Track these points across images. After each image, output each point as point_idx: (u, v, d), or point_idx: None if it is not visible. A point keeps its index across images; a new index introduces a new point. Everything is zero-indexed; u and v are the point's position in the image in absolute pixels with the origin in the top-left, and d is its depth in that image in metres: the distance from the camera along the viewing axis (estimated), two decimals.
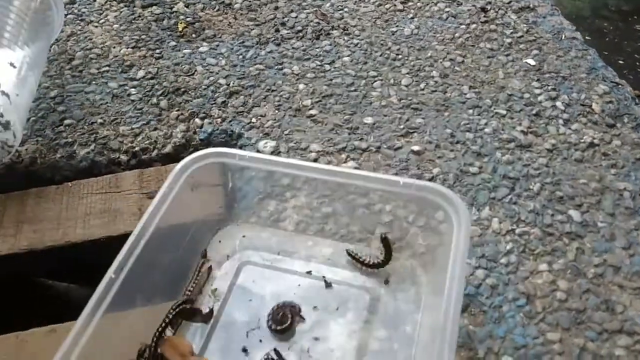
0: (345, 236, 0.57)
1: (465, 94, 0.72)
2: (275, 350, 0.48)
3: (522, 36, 0.82)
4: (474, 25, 0.83)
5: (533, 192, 0.60)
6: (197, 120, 0.70)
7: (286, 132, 0.68)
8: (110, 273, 0.45)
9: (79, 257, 0.62)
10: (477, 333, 0.49)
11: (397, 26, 0.84)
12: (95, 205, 0.63)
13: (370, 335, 0.50)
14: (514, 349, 0.48)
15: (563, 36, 0.83)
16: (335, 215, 0.58)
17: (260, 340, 0.49)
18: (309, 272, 0.54)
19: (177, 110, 0.72)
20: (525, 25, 0.84)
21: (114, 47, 0.82)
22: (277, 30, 0.84)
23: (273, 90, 0.74)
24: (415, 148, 0.65)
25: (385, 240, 0.53)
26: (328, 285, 0.53)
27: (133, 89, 0.74)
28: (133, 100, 0.73)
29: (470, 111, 0.69)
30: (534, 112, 0.70)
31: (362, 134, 0.67)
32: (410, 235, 0.55)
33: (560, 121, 0.69)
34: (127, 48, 0.82)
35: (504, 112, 0.69)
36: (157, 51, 0.81)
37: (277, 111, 0.71)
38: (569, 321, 0.50)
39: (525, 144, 0.65)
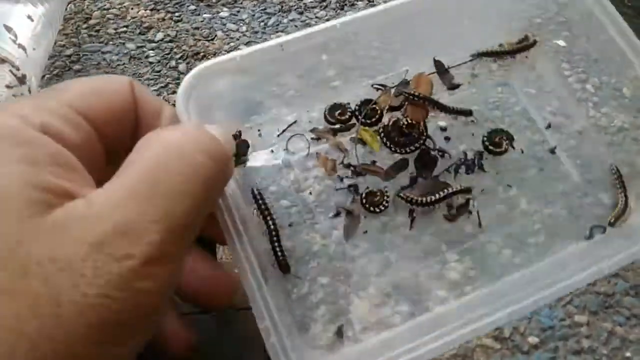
0: None
1: (494, 71, 0.70)
2: None
3: (551, 17, 0.80)
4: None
5: (562, 173, 0.59)
6: None
7: (308, 102, 0.66)
8: None
9: None
10: None
11: None
12: None
13: None
14: (540, 330, 0.47)
15: (594, 19, 0.80)
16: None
17: None
18: None
19: None
20: (555, 5, 0.81)
21: (132, 8, 0.80)
22: None
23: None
24: (442, 123, 0.63)
25: None
26: None
27: (151, 51, 0.72)
28: (151, 63, 0.71)
29: (499, 89, 0.67)
30: (563, 93, 0.68)
31: None
32: None
33: (590, 104, 0.67)
34: (146, 10, 0.79)
35: (533, 91, 0.68)
36: (177, 14, 0.79)
37: (299, 80, 0.69)
38: (597, 305, 0.49)
39: (554, 125, 0.63)
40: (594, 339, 0.47)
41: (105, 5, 0.81)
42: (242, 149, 0.51)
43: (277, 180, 0.58)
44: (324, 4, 0.81)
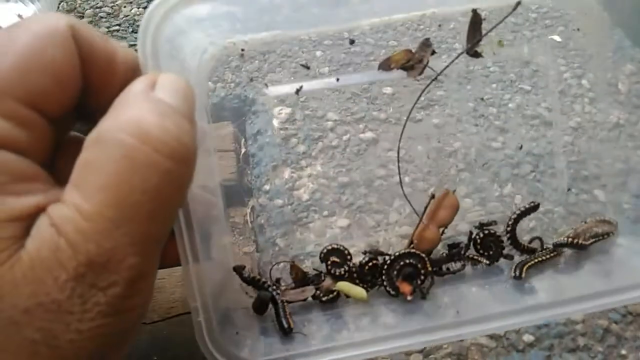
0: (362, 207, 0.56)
1: (489, 67, 0.69)
2: None
3: (547, 12, 0.79)
4: None
5: (557, 170, 0.58)
6: (209, 84, 0.68)
7: (302, 100, 0.66)
8: None
9: None
10: None
11: None
12: None
13: None
14: (535, 328, 0.47)
15: (590, 14, 0.80)
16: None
17: None
18: None
19: None
20: (550, 0, 0.81)
21: (125, 7, 0.79)
22: None
23: (289, 57, 0.71)
24: (436, 121, 0.63)
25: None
26: None
27: None
28: None
29: (494, 85, 0.67)
30: (559, 89, 0.67)
31: (381, 105, 0.65)
32: None
33: (586, 99, 0.67)
34: (139, 8, 0.79)
35: (529, 87, 0.67)
36: None
37: (293, 78, 0.68)
38: None
39: (549, 121, 0.63)
40: (590, 336, 0.46)
41: (97, 3, 0.80)
42: None
43: (271, 179, 0.58)
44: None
